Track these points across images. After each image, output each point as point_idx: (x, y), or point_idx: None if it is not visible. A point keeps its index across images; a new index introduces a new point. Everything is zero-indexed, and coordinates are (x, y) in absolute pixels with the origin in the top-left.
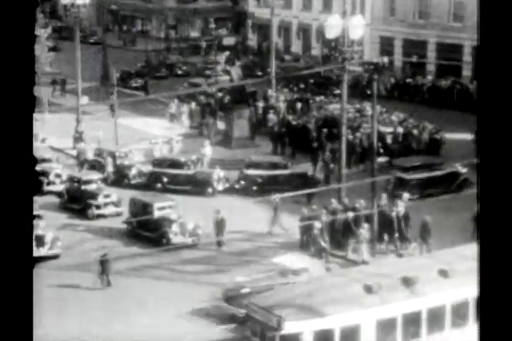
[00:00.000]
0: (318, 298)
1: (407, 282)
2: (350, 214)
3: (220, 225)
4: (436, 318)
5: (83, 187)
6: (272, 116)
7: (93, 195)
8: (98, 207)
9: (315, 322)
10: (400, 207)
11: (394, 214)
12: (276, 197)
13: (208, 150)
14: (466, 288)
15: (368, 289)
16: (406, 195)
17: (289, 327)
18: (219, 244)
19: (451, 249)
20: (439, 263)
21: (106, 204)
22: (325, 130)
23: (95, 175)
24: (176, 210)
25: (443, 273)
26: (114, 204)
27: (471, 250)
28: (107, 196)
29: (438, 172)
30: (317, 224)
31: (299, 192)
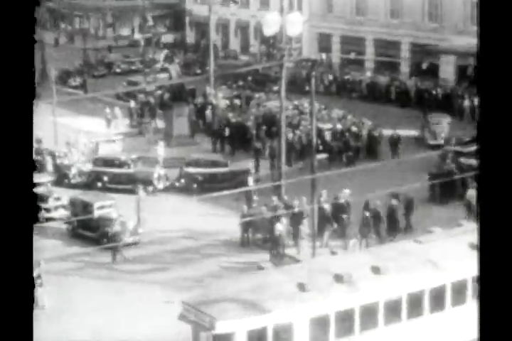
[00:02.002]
0: (251, 296)
1: (341, 279)
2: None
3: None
4: (369, 315)
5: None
6: (210, 114)
7: (43, 198)
8: (48, 210)
9: (248, 320)
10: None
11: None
12: (141, 193)
13: (162, 149)
14: (399, 285)
15: (302, 287)
16: (346, 191)
17: (221, 327)
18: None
19: (388, 245)
20: (373, 259)
21: (56, 208)
22: (264, 127)
23: (45, 178)
24: (117, 209)
25: (375, 270)
26: (64, 208)
27: (409, 246)
28: (57, 199)
29: None
30: (279, 226)
31: (237, 190)
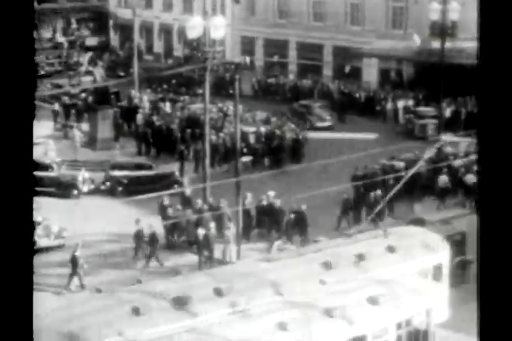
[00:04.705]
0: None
1: (180, 302)
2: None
3: None
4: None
5: None
6: (137, 117)
7: None
8: None
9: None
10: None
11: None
12: None
13: (117, 153)
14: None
15: (136, 311)
16: (271, 193)
17: None
18: None
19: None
20: (215, 282)
21: None
22: (189, 130)
23: None
24: (40, 213)
25: (217, 292)
26: None
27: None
28: None
29: None
30: (200, 231)
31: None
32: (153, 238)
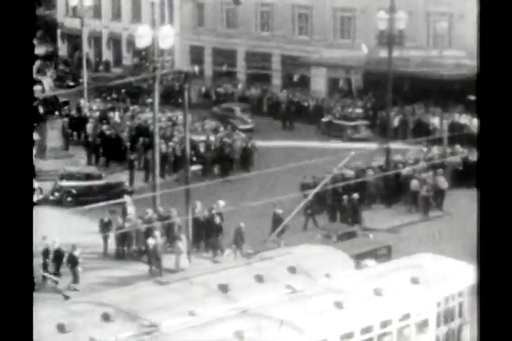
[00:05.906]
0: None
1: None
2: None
3: None
4: None
5: None
6: (87, 126)
7: None
8: None
9: None
10: None
11: None
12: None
13: (67, 162)
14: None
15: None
16: (221, 202)
17: None
18: None
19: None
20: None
21: None
22: (139, 139)
23: None
24: None
25: (105, 317)
26: None
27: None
28: None
29: None
30: (151, 241)
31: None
32: (58, 255)
